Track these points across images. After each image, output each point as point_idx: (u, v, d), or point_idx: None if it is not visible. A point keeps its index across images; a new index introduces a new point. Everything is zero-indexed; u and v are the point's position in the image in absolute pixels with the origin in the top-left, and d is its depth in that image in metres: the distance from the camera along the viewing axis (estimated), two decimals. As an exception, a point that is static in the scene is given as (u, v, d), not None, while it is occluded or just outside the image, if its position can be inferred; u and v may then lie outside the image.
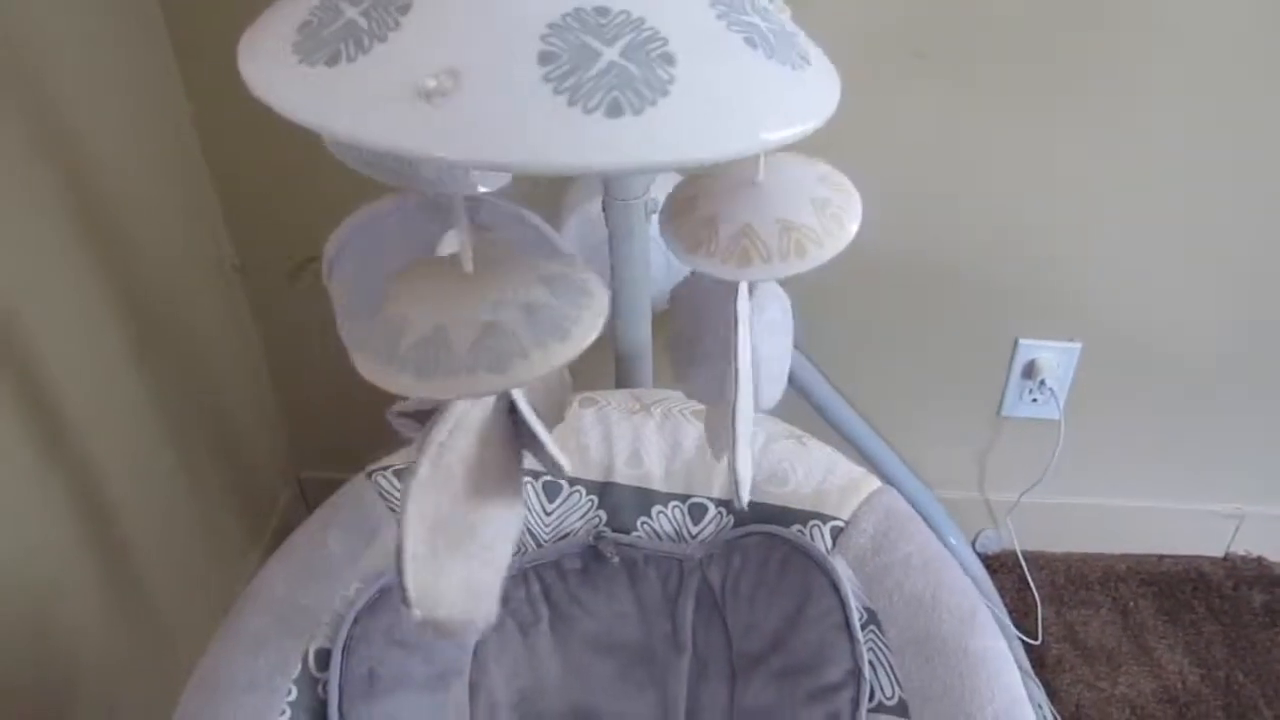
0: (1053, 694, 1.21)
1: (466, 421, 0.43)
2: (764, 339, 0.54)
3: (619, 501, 0.80)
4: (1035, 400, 1.27)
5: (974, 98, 1.03)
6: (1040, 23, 0.99)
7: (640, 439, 0.81)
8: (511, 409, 0.47)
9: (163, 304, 1.03)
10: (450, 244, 0.44)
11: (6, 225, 0.78)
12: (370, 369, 0.37)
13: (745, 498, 0.54)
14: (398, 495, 0.77)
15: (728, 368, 0.50)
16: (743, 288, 0.50)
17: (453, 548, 0.43)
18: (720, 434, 0.53)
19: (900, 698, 0.67)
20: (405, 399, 0.46)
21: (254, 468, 1.28)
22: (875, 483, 0.78)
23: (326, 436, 1.31)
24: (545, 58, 0.32)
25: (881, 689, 0.68)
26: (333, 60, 0.33)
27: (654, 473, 0.80)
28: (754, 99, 0.34)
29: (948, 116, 1.04)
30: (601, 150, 0.31)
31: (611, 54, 0.32)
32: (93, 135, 0.90)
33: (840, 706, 0.68)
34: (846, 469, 0.79)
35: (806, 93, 0.37)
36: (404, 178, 0.45)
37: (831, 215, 0.46)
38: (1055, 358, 1.23)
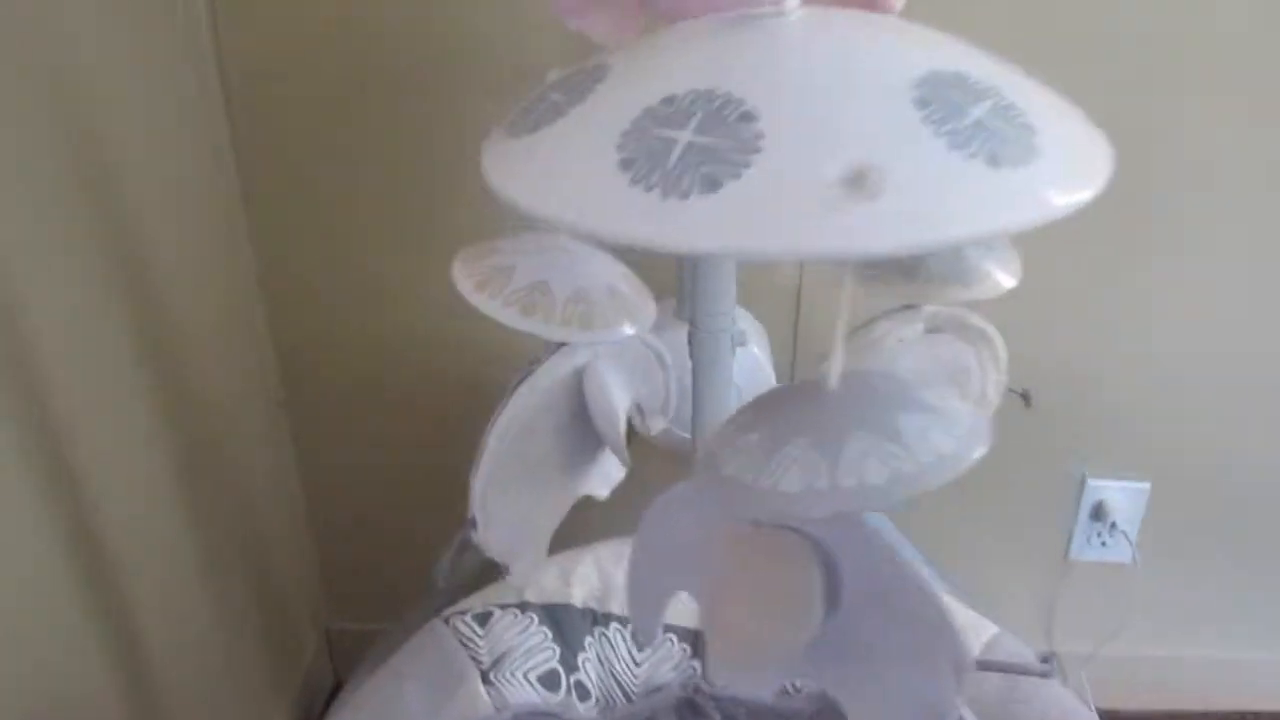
0: None
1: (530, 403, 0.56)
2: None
3: (714, 649, 0.74)
4: (1105, 544, 1.22)
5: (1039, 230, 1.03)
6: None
7: (734, 580, 0.76)
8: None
9: (209, 434, 1.00)
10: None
11: (70, 344, 0.76)
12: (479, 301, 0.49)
13: None
14: (478, 640, 0.71)
15: None
16: None
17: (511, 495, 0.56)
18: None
19: None
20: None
21: (284, 613, 1.20)
22: (993, 628, 0.73)
23: (358, 586, 1.25)
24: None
25: None
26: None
27: (751, 617, 0.75)
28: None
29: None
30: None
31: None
32: (157, 265, 0.90)
33: None
34: (962, 613, 0.73)
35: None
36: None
37: None
38: (1124, 498, 1.19)
